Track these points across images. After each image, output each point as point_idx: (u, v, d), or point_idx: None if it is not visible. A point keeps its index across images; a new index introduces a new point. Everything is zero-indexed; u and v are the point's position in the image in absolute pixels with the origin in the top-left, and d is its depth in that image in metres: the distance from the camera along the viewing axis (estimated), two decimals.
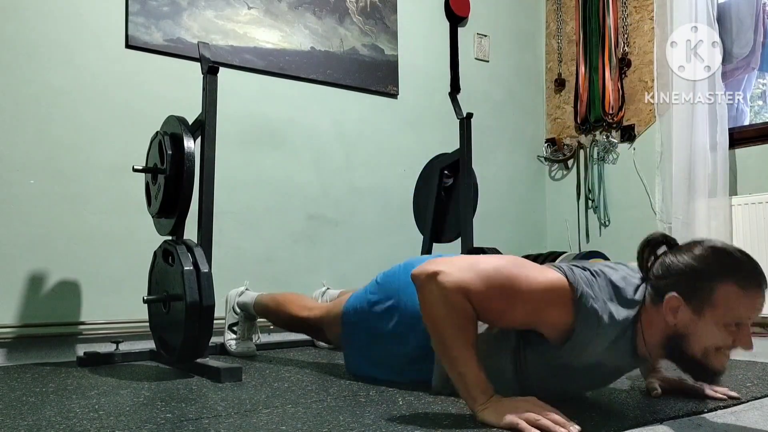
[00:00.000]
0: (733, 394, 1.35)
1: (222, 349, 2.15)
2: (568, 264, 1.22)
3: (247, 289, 2.17)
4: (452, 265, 1.18)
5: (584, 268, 1.21)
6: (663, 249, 1.20)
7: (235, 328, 2.13)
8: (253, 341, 2.16)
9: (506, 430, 1.07)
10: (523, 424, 1.06)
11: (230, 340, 2.13)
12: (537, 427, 1.05)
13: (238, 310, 2.13)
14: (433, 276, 1.16)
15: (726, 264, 1.12)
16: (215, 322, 1.71)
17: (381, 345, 1.56)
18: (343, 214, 2.87)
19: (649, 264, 1.20)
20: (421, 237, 2.62)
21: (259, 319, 2.19)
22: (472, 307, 1.16)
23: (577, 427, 1.06)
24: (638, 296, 1.19)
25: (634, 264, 1.27)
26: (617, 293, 1.18)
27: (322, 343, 2.34)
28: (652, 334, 1.18)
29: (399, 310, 1.51)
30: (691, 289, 1.12)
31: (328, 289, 2.36)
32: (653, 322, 1.17)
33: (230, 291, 2.19)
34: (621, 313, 1.16)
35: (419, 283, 1.19)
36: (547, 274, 1.18)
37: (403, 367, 1.54)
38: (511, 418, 1.07)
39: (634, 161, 3.26)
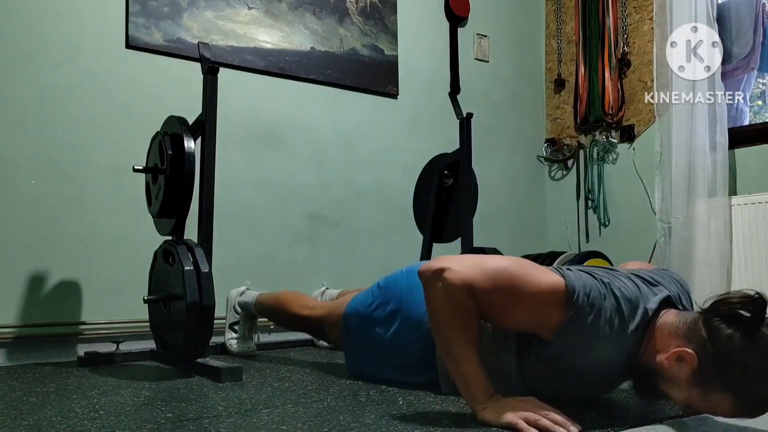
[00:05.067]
0: None
1: (222, 349, 2.15)
2: (577, 268, 1.20)
3: (248, 289, 2.18)
4: (459, 262, 1.18)
5: (594, 276, 1.16)
6: (745, 313, 1.07)
7: (236, 327, 2.14)
8: (254, 341, 2.16)
9: (505, 429, 1.07)
10: (522, 424, 1.06)
11: (231, 339, 2.13)
12: (536, 427, 1.05)
13: (239, 309, 2.14)
14: (440, 272, 1.16)
15: (750, 386, 1.05)
16: (215, 321, 1.71)
17: (382, 350, 1.56)
18: (343, 214, 2.87)
19: (718, 309, 1.10)
20: (421, 237, 2.62)
21: (259, 319, 2.19)
22: (477, 305, 1.16)
23: (578, 427, 1.06)
24: (650, 312, 1.14)
25: (676, 275, 1.26)
26: (625, 305, 1.13)
27: (322, 343, 2.35)
28: (651, 347, 1.14)
29: (401, 315, 1.51)
30: (707, 367, 1.07)
31: (327, 288, 2.36)
32: (660, 342, 1.13)
33: (231, 291, 2.19)
34: (620, 334, 1.12)
35: (425, 279, 1.19)
36: (549, 277, 1.17)
37: (404, 372, 1.54)
38: (510, 418, 1.07)
39: (634, 161, 3.26)
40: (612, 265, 2.25)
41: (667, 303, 1.18)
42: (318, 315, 1.82)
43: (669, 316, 1.15)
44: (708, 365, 1.06)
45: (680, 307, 1.21)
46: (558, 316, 1.14)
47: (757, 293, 1.08)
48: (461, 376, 1.16)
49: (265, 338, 2.35)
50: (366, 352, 1.62)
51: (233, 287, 2.20)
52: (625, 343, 1.15)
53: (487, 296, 1.15)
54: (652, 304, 1.16)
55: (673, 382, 1.11)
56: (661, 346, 1.13)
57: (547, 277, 1.17)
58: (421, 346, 1.45)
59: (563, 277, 1.16)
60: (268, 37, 2.71)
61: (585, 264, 3.08)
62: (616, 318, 1.13)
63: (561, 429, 1.04)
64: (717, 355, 1.06)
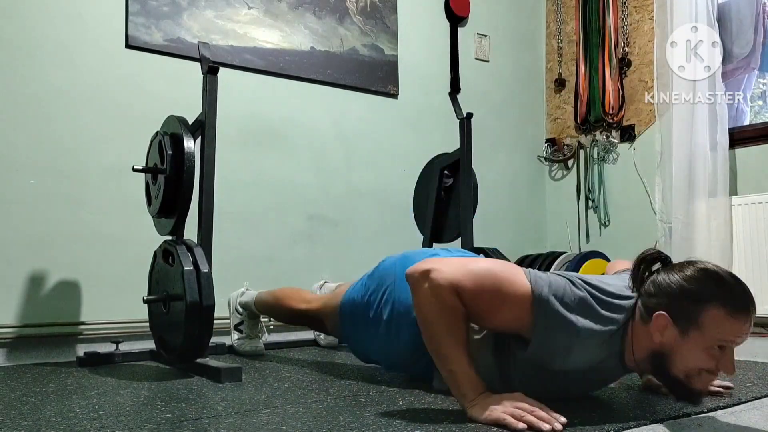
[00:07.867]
0: (727, 383, 1.38)
1: (222, 350, 2.14)
2: (548, 273, 1.23)
3: (247, 290, 2.18)
4: (445, 264, 1.20)
5: (564, 276, 1.20)
6: (657, 266, 1.21)
7: (240, 328, 2.14)
8: (261, 339, 2.16)
9: (495, 426, 1.09)
10: (509, 420, 1.08)
11: (237, 340, 2.13)
12: (523, 422, 1.07)
13: (240, 310, 2.15)
14: (426, 274, 1.19)
15: (716, 287, 1.12)
16: (215, 322, 1.71)
17: (377, 336, 1.57)
18: (343, 214, 2.87)
19: (642, 280, 1.20)
20: (421, 237, 2.62)
21: (263, 318, 2.20)
22: (463, 305, 1.17)
23: (563, 420, 1.08)
24: (625, 310, 1.19)
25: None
26: (596, 307, 1.17)
27: (322, 342, 2.35)
28: (640, 349, 1.18)
29: (393, 300, 1.53)
30: (679, 310, 1.12)
31: (326, 282, 2.35)
32: (641, 338, 1.17)
33: (231, 293, 2.20)
34: (594, 326, 1.15)
35: (413, 281, 1.22)
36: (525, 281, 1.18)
37: (401, 360, 1.55)
38: (497, 414, 1.10)
39: (634, 161, 3.25)
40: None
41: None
42: (315, 308, 1.86)
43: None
44: (676, 307, 1.12)
45: None
46: (531, 317, 1.16)
47: (648, 251, 1.22)
48: (451, 375, 1.18)
49: (264, 338, 2.34)
50: (364, 341, 1.64)
51: (233, 287, 2.20)
52: (611, 344, 1.18)
53: (472, 297, 1.17)
54: (628, 304, 1.20)
55: (676, 349, 1.13)
56: (642, 337, 1.17)
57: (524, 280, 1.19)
58: (415, 331, 1.45)
59: (528, 280, 1.18)
60: (267, 36, 2.71)
61: (585, 264, 3.08)
62: (591, 323, 1.15)
63: (545, 425, 1.05)
64: (668, 294, 1.14)
